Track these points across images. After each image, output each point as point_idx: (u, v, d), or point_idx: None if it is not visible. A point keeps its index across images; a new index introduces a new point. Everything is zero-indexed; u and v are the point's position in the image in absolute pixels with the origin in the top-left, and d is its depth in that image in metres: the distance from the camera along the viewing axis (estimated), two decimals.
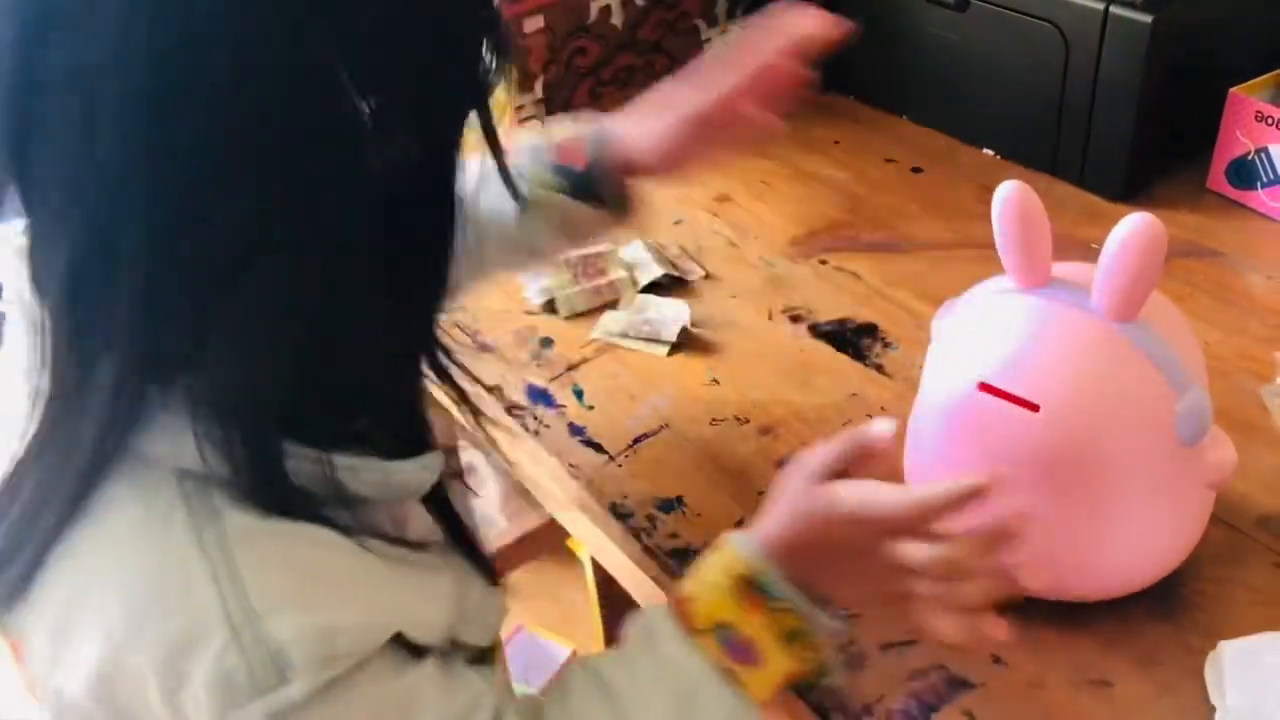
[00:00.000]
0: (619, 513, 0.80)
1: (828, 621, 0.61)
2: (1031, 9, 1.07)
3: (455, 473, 0.66)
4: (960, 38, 1.16)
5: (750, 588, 0.60)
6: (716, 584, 0.61)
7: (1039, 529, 0.66)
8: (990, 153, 1.18)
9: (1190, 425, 0.64)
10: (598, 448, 0.86)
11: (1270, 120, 1.02)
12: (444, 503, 0.61)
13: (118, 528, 0.49)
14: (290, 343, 0.48)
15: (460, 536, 0.62)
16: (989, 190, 0.66)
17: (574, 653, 1.47)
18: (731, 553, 0.62)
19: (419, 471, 0.56)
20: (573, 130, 0.80)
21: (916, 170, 1.18)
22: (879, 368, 0.92)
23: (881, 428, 0.62)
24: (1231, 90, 1.05)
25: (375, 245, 0.50)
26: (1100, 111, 1.06)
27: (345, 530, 0.52)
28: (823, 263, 1.05)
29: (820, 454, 0.62)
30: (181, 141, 0.43)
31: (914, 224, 1.09)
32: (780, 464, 0.83)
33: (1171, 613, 0.69)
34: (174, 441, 0.49)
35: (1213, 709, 0.63)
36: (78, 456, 0.48)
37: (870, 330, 0.95)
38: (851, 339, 0.95)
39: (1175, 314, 0.68)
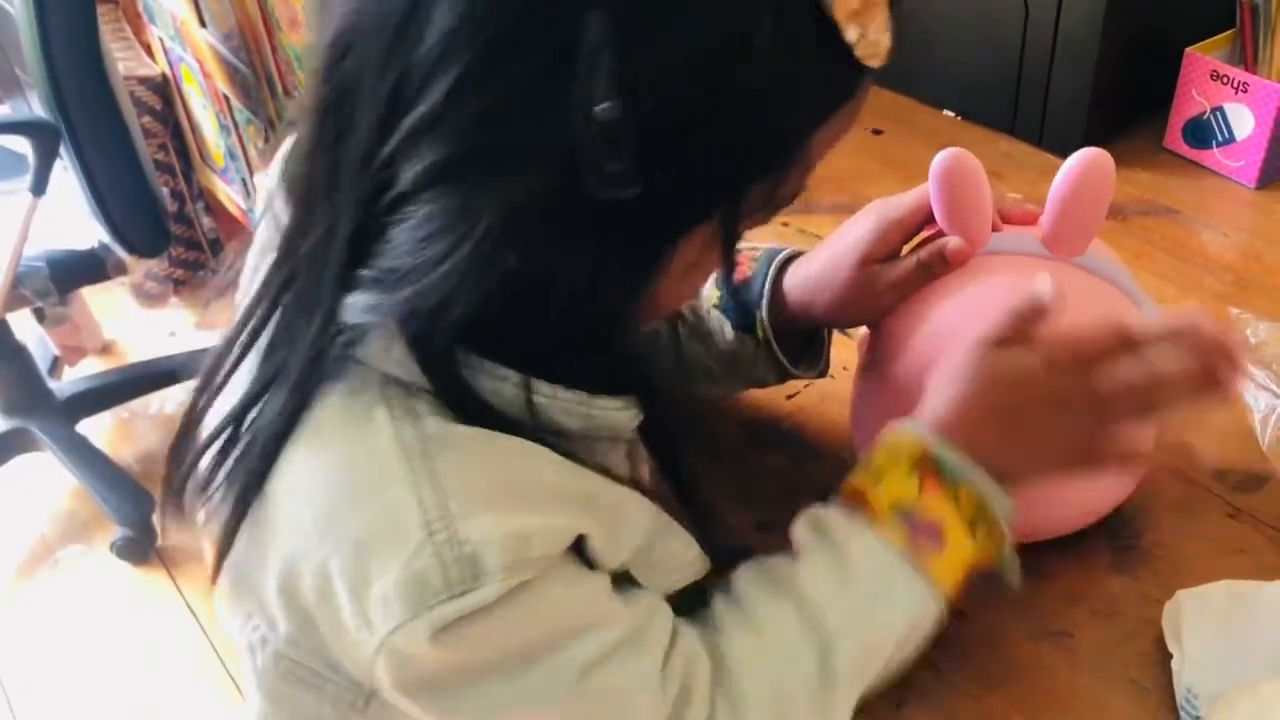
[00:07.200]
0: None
1: (1007, 501, 0.57)
2: None
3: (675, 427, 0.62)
4: None
5: (927, 467, 0.57)
6: (890, 468, 0.57)
7: None
8: (950, 114, 1.19)
9: None
10: None
11: (1226, 80, 1.03)
12: (665, 446, 0.58)
13: (322, 422, 0.49)
14: (505, 258, 0.46)
15: (678, 483, 0.59)
16: None
17: None
18: (903, 436, 0.58)
19: (620, 410, 0.54)
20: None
21: (877, 132, 1.18)
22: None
23: (1044, 285, 0.58)
24: (1188, 50, 1.05)
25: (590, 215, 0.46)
26: (1059, 72, 1.07)
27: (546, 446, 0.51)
28: (784, 225, 1.04)
29: (992, 327, 0.58)
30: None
31: (874, 186, 1.08)
32: (742, 425, 0.83)
33: (1130, 564, 0.70)
34: (382, 346, 0.49)
35: (1170, 657, 0.64)
36: (300, 352, 0.49)
37: None
38: None
39: (1102, 243, 0.69)
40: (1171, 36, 1.07)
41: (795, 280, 0.72)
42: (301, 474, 0.49)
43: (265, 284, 0.52)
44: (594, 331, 0.51)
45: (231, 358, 0.53)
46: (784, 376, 0.74)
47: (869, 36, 0.46)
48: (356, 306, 0.48)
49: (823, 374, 0.76)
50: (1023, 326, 0.58)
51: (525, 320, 0.49)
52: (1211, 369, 0.56)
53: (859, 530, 0.57)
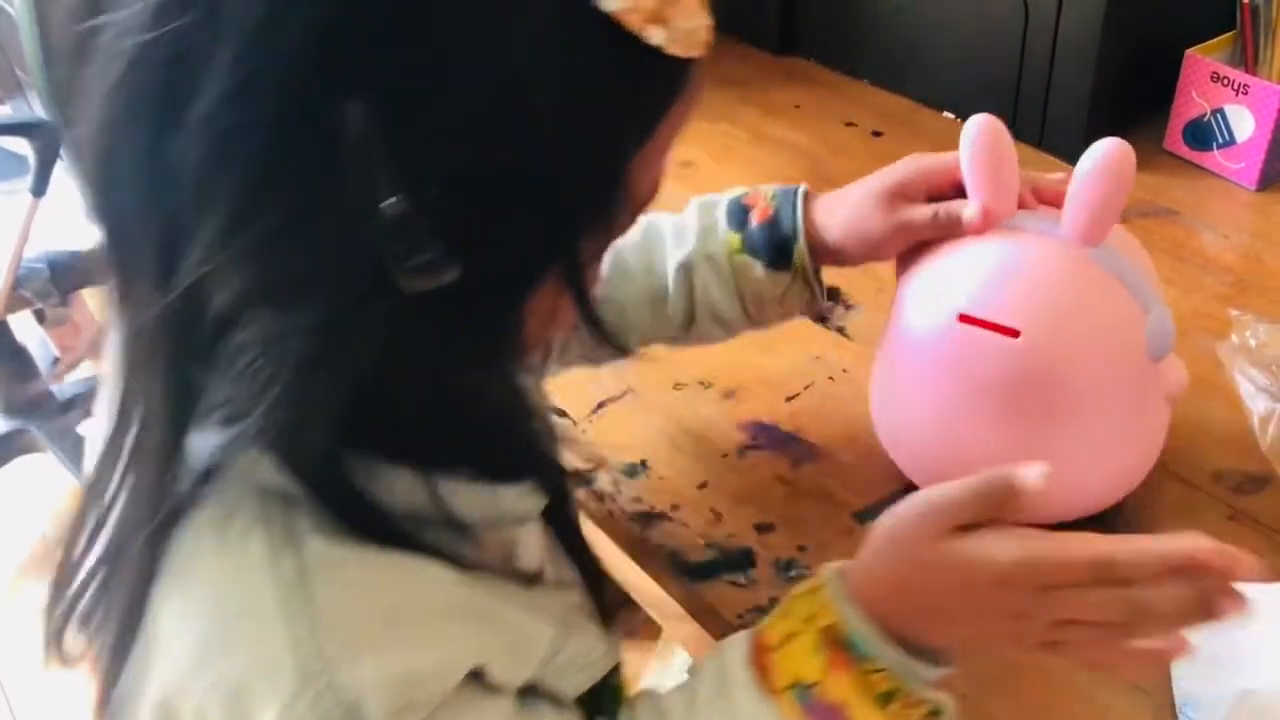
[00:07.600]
0: (582, 477, 0.80)
1: (932, 674, 0.53)
2: None
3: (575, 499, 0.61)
4: (921, 0, 1.16)
5: (837, 644, 0.52)
6: (800, 633, 0.53)
7: (1016, 453, 0.67)
8: (950, 116, 1.19)
9: (1158, 343, 0.66)
10: (561, 413, 0.86)
11: (1226, 81, 1.02)
12: (568, 527, 0.57)
13: (195, 549, 0.45)
14: (347, 370, 0.42)
15: (584, 567, 0.58)
16: None
17: None
18: (822, 600, 0.54)
19: (523, 497, 0.52)
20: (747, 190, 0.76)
21: (877, 134, 1.18)
22: (840, 330, 0.92)
23: (1033, 473, 0.50)
24: (1188, 51, 1.05)
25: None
26: (1059, 73, 1.07)
27: (442, 557, 0.47)
28: None
29: (950, 500, 0.52)
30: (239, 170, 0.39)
31: None
32: (742, 425, 0.83)
33: None
34: (250, 459, 0.44)
35: None
36: (151, 475, 0.45)
37: (832, 293, 0.95)
38: None
39: (1132, 238, 0.70)
40: (1171, 38, 1.07)
41: (820, 208, 0.73)
42: (176, 611, 0.46)
43: (119, 420, 0.47)
44: (470, 404, 0.48)
45: (99, 504, 0.48)
46: (809, 310, 0.77)
47: (678, 28, 0.41)
48: (204, 450, 0.44)
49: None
50: (987, 511, 0.51)
51: (397, 412, 0.46)
52: (1209, 600, 0.49)
53: (755, 700, 0.53)
